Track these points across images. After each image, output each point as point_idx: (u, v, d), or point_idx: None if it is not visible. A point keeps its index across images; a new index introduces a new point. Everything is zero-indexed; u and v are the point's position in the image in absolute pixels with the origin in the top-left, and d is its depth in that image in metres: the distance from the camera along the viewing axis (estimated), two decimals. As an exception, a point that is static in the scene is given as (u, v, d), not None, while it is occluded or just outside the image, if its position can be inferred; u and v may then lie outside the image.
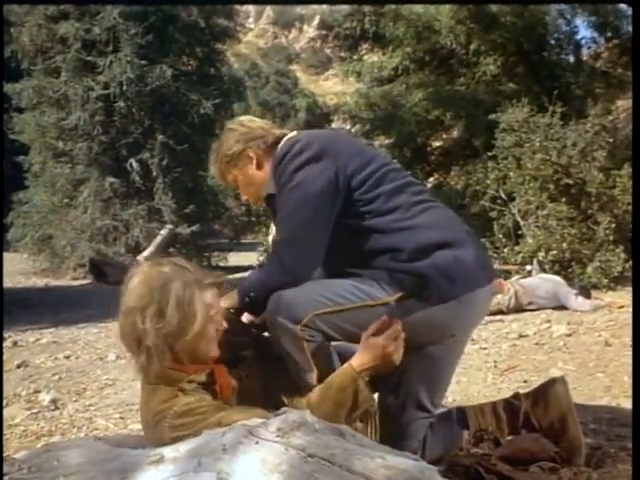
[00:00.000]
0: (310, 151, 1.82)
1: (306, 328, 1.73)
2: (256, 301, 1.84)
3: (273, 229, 2.18)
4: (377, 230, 1.80)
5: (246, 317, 1.94)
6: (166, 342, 1.58)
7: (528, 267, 6.50)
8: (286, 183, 1.81)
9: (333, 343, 1.84)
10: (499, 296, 5.20)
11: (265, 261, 1.91)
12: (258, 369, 1.82)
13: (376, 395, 1.85)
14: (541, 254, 6.72)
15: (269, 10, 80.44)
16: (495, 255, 7.17)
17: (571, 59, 11.27)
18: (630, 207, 6.42)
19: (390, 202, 1.82)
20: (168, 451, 1.37)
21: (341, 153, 1.85)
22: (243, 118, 2.09)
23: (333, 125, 14.03)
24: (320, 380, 1.71)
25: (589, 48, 11.44)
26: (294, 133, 1.97)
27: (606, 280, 6.42)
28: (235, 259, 14.15)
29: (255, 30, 77.91)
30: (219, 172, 2.06)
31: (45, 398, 3.30)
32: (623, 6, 9.99)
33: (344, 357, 1.79)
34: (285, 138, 1.95)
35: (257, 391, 1.77)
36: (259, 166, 1.97)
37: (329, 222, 1.79)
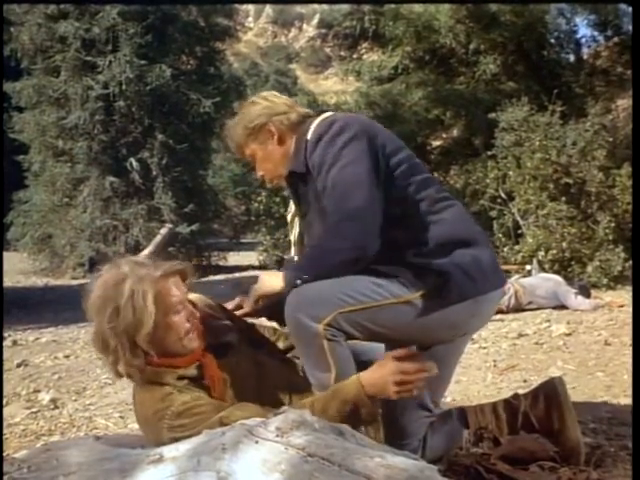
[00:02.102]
0: (351, 131, 1.77)
1: (329, 327, 1.67)
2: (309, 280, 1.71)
3: (292, 207, 2.09)
4: (404, 219, 1.76)
5: (232, 305, 1.91)
6: (126, 339, 1.58)
7: (528, 266, 6.50)
8: (334, 162, 1.73)
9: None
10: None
11: (316, 243, 1.77)
12: (246, 355, 1.81)
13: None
14: (541, 253, 6.72)
15: (269, 9, 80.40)
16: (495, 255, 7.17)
17: (571, 58, 11.27)
18: (630, 206, 6.43)
19: (419, 193, 1.78)
20: (167, 450, 1.37)
21: (378, 134, 1.81)
22: (266, 93, 2.02)
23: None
24: (337, 381, 1.68)
25: (589, 47, 11.44)
26: (329, 114, 1.90)
27: (606, 279, 6.42)
28: (235, 259, 14.16)
29: (255, 29, 77.89)
30: (237, 145, 1.98)
31: (45, 397, 3.30)
32: (623, 5, 10.00)
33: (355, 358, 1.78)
34: (319, 118, 1.87)
35: (250, 378, 1.76)
36: (280, 142, 1.91)
37: (382, 198, 1.72)
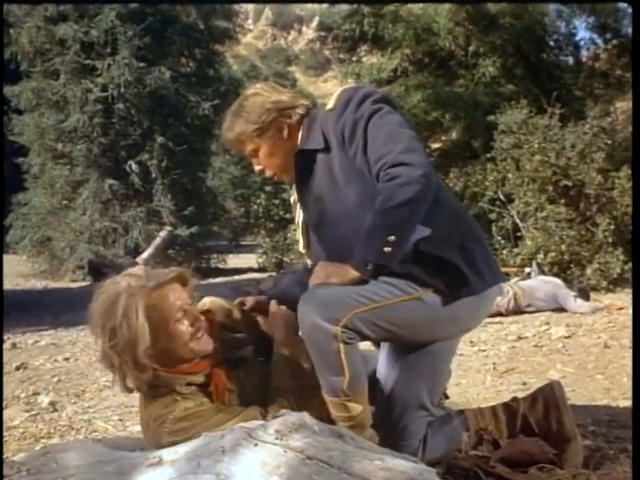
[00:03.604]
0: (378, 94, 1.78)
1: (345, 329, 1.63)
2: (400, 246, 1.64)
3: (294, 192, 2.02)
4: None
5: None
6: (129, 356, 1.57)
7: (527, 269, 6.50)
8: (373, 113, 1.70)
9: None
10: (498, 298, 5.20)
11: (382, 192, 1.63)
12: (258, 368, 1.81)
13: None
14: (540, 256, 6.72)
15: (268, 11, 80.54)
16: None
17: (570, 60, 11.30)
18: (629, 209, 6.43)
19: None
20: (167, 453, 1.37)
21: (397, 109, 1.82)
22: (265, 85, 1.93)
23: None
24: (349, 385, 1.66)
25: (588, 49, 11.48)
26: (348, 86, 1.86)
27: (605, 282, 6.43)
28: (234, 261, 14.15)
29: (254, 31, 77.97)
30: (237, 140, 1.85)
31: (44, 400, 3.29)
32: (622, 6, 10.02)
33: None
34: (340, 90, 1.83)
35: (260, 390, 1.75)
36: (290, 137, 1.83)
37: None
